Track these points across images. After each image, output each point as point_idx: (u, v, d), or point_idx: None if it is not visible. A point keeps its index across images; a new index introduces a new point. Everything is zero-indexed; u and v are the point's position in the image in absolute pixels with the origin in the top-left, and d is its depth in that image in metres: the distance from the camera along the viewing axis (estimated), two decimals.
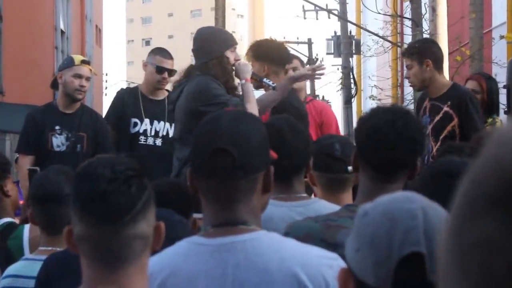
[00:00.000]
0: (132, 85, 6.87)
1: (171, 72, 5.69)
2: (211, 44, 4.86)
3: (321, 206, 2.86)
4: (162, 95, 5.77)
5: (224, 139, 1.92)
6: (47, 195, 3.01)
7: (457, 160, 2.37)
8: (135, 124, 5.68)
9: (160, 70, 5.73)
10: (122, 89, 6.22)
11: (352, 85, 21.09)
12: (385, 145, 2.39)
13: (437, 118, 5.11)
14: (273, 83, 4.93)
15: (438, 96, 5.21)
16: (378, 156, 2.41)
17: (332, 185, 3.11)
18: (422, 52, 5.20)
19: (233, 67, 4.86)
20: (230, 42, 4.93)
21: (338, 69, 22.99)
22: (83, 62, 5.49)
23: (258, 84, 5.06)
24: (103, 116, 5.94)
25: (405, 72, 5.47)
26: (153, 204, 1.88)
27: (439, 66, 5.24)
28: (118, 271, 1.82)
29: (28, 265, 2.97)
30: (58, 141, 5.35)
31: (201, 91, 4.71)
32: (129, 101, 5.76)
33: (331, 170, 3.10)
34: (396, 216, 1.43)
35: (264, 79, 5.00)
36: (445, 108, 5.10)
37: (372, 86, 17.78)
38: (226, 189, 1.93)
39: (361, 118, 2.58)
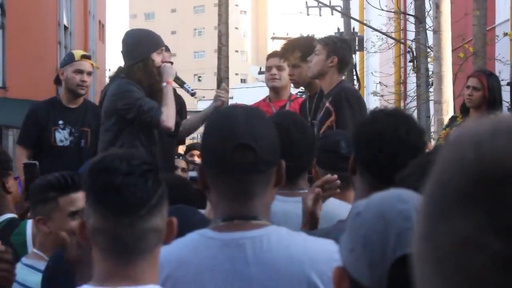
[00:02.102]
0: None
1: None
2: (137, 47, 4.93)
3: (331, 205, 2.85)
4: None
5: (245, 135, 1.94)
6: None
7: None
8: None
9: None
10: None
11: (355, 82, 21.07)
12: (387, 152, 2.36)
13: (321, 114, 5.06)
14: (192, 90, 5.05)
15: (327, 93, 5.17)
16: (380, 162, 2.37)
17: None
18: (336, 48, 5.16)
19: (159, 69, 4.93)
20: (156, 44, 4.98)
21: None
22: (84, 57, 5.48)
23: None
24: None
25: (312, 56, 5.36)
26: (167, 198, 1.89)
27: (341, 69, 5.18)
28: (131, 264, 1.83)
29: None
30: (61, 136, 5.34)
31: (120, 93, 4.82)
32: None
33: (336, 169, 3.07)
34: (389, 218, 1.43)
35: (185, 85, 5.12)
36: (327, 104, 5.04)
37: (375, 83, 17.78)
38: (244, 184, 1.95)
39: (362, 123, 2.54)
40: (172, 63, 5.16)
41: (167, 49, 5.29)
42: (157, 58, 4.92)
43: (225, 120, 2.00)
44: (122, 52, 5.04)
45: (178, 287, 1.93)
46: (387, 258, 1.40)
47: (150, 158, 1.92)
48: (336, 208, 2.72)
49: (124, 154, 1.89)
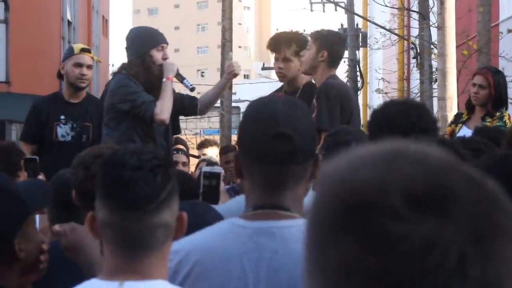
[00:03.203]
0: None
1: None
2: (136, 43, 5.05)
3: None
4: None
5: (285, 124, 1.93)
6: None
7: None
8: None
9: None
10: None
11: (358, 78, 21.04)
12: (399, 135, 2.36)
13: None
14: (191, 85, 5.09)
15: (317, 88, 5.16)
16: None
17: None
18: (326, 42, 5.10)
19: (161, 66, 5.01)
20: (155, 41, 5.06)
21: (344, 61, 22.94)
22: (83, 50, 5.47)
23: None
24: None
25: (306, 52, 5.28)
26: (177, 194, 1.90)
27: (333, 63, 5.13)
28: (139, 259, 1.84)
29: None
30: (63, 131, 5.33)
31: (118, 88, 4.95)
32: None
33: None
34: None
35: (184, 80, 5.15)
36: (314, 100, 4.98)
37: (378, 79, 17.75)
38: (279, 174, 1.95)
39: (375, 111, 2.55)
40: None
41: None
42: (156, 54, 5.01)
43: (264, 108, 1.99)
44: (125, 48, 5.15)
45: (205, 273, 1.92)
46: None
47: (161, 153, 1.92)
48: None
49: (136, 149, 1.91)
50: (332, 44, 5.11)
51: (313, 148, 1.99)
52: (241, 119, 2.07)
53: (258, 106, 2.02)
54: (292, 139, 1.92)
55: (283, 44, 5.35)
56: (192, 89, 5.26)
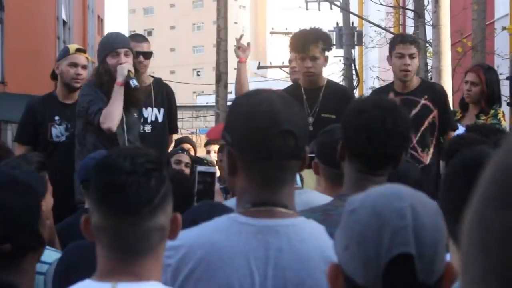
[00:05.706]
0: None
1: (146, 55, 5.59)
2: (98, 50, 5.11)
3: (312, 196, 2.86)
4: (148, 81, 5.69)
5: (287, 121, 1.92)
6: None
7: (489, 150, 2.29)
8: None
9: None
10: None
11: (354, 77, 21.05)
12: (376, 143, 2.38)
13: (415, 111, 5.24)
14: (134, 84, 4.97)
15: (410, 90, 5.35)
16: (368, 153, 2.41)
17: (337, 180, 3.07)
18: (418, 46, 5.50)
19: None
20: (109, 47, 5.01)
21: (340, 60, 22.95)
22: (78, 50, 5.48)
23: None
24: None
25: (401, 60, 5.33)
26: (171, 196, 1.87)
27: None
28: (133, 262, 1.82)
29: None
30: (57, 132, 5.33)
31: (80, 97, 5.03)
32: None
33: (337, 165, 3.05)
34: (384, 216, 1.40)
35: (131, 80, 5.01)
36: (423, 101, 5.29)
37: (374, 78, 17.77)
38: (281, 170, 1.94)
39: (350, 113, 2.52)
40: (145, 59, 5.38)
41: (145, 40, 5.62)
42: (110, 61, 4.96)
43: (262, 105, 1.95)
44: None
45: (211, 270, 1.90)
46: (381, 256, 1.38)
47: (155, 155, 1.89)
48: (319, 201, 2.72)
49: (129, 151, 1.87)
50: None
51: (306, 142, 1.99)
52: (231, 116, 2.02)
53: (254, 103, 1.97)
54: (295, 135, 1.92)
55: (311, 43, 5.26)
56: (135, 88, 5.03)
